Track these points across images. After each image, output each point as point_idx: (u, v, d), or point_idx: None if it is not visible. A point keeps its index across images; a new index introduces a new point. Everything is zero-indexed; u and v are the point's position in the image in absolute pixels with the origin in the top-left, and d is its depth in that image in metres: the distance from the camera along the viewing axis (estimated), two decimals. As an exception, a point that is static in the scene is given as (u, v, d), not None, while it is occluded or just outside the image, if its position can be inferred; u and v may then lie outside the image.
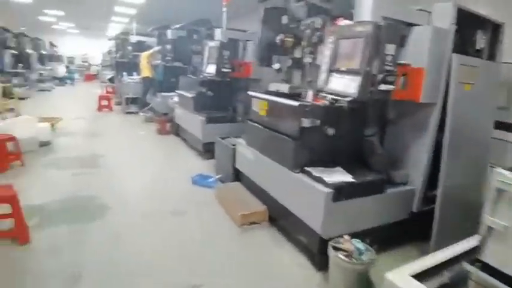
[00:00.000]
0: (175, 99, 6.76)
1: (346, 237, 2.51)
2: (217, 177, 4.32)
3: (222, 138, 4.40)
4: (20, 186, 3.66)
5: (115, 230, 3.08)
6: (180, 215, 3.45)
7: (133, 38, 10.45)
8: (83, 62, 23.38)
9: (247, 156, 3.52)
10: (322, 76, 2.72)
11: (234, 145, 3.97)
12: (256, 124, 3.32)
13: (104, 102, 9.57)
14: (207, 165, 5.02)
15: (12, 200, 2.60)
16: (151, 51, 8.36)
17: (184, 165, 5.12)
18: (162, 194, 3.99)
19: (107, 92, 12.06)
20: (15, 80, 10.79)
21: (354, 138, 2.91)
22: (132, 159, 5.36)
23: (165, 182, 4.39)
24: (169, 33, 7.40)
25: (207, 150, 5.31)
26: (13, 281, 2.33)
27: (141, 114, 8.47)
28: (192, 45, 6.15)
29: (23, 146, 5.11)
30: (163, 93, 7.68)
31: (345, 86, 2.51)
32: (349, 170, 2.75)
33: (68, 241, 2.84)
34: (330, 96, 2.53)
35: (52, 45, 20.17)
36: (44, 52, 16.58)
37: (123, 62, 10.41)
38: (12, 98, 8.63)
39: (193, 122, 5.56)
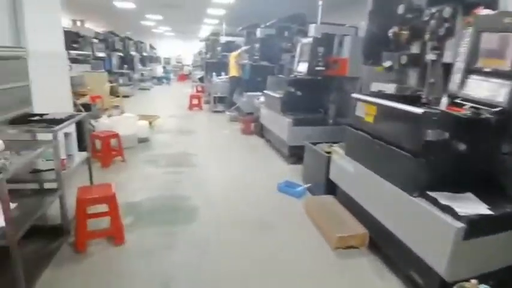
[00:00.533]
0: (261, 99, 6.62)
1: (473, 281, 1.93)
2: (305, 186, 3.98)
3: (313, 144, 4.04)
4: (120, 182, 3.90)
5: (203, 237, 2.98)
6: (268, 227, 3.20)
7: (223, 39, 10.73)
8: (177, 62, 25.38)
9: (346, 169, 3.09)
10: (455, 78, 2.15)
11: (328, 153, 3.57)
12: (360, 132, 2.86)
13: (195, 101, 10.04)
14: (292, 171, 4.73)
15: (110, 200, 2.67)
16: (238, 51, 8.42)
17: (269, 168, 4.91)
18: (249, 199, 3.81)
19: (197, 91, 12.72)
20: (120, 80, 12.11)
21: (488, 157, 2.26)
22: (219, 158, 5.36)
23: (251, 186, 4.22)
24: (258, 32, 7.31)
25: (293, 154, 5.02)
26: (109, 282, 2.36)
27: (227, 113, 8.60)
28: (282, 42, 5.90)
29: (124, 142, 5.52)
30: (249, 93, 7.66)
31: (491, 91, 1.93)
32: (480, 197, 2.15)
33: (159, 244, 2.82)
34: (469, 105, 1.97)
35: (152, 47, 22.36)
36: (145, 54, 18.42)
37: (213, 62, 10.79)
38: (118, 96, 9.63)
39: (279, 124, 5.31)
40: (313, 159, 3.93)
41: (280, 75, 5.56)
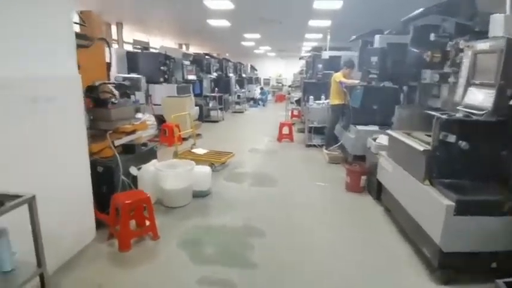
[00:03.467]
0: (381, 139, 4.23)
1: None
2: None
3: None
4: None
5: None
6: None
7: (325, 54, 8.61)
8: (277, 83, 24.34)
9: None
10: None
11: None
12: None
13: (285, 131, 8.15)
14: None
15: None
16: (341, 71, 6.22)
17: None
18: None
19: (292, 116, 10.86)
20: (211, 104, 11.14)
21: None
22: (304, 247, 3.17)
23: None
24: (377, 40, 4.98)
25: (447, 265, 2.51)
26: None
27: (326, 152, 6.37)
28: (422, 52, 3.46)
29: (173, 199, 3.93)
30: (359, 127, 5.31)
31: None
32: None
33: None
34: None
35: (253, 68, 21.75)
36: (243, 75, 17.64)
37: (311, 82, 8.74)
38: (205, 121, 8.40)
39: (420, 201, 2.83)
40: None
41: (430, 111, 2.99)
